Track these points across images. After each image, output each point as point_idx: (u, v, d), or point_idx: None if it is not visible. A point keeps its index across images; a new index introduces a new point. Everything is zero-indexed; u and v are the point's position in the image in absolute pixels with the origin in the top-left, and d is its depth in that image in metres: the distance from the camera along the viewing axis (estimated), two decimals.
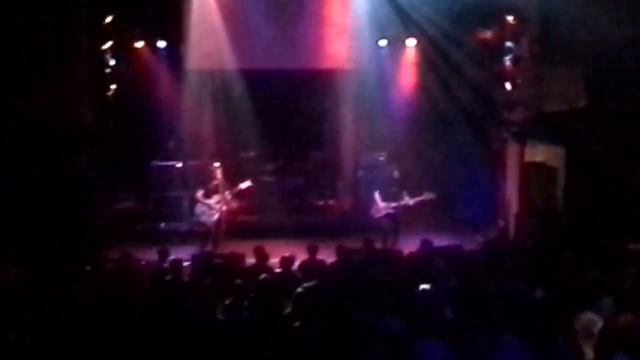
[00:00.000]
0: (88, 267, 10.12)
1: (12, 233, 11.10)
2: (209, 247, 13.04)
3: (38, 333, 7.39)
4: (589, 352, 6.99)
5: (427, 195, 13.38)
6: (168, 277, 9.49)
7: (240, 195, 15.26)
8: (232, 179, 13.97)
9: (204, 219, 13.12)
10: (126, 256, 10.36)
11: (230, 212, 14.77)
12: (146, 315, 7.97)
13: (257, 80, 15.97)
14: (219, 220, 13.22)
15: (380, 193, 13.32)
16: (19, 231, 11.23)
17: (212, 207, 13.05)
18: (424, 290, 8.80)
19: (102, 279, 10.10)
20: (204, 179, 13.29)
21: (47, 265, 9.67)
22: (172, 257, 10.54)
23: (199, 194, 13.14)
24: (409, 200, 13.19)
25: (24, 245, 10.19)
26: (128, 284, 9.17)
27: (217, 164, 13.72)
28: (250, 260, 10.98)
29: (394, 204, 13.15)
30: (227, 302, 8.47)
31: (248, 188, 13.99)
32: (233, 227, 14.67)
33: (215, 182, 13.14)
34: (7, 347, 7.08)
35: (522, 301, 8.33)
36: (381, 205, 13.23)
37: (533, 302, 8.33)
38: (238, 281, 8.81)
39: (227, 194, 13.32)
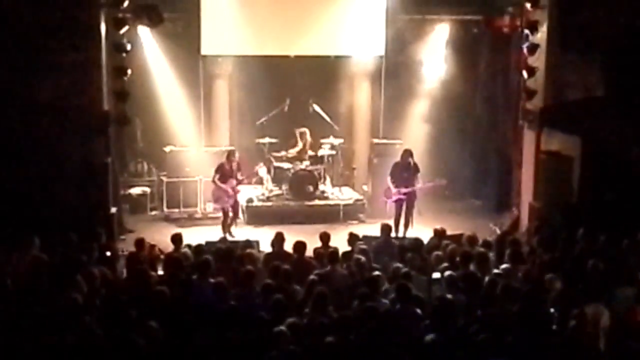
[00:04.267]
0: (107, 253, 10.23)
1: (32, 216, 11.26)
2: (225, 232, 13.17)
3: (54, 313, 7.54)
4: (601, 342, 7.07)
5: (438, 181, 13.52)
6: (184, 263, 9.55)
7: (255, 180, 15.38)
8: (246, 165, 14.12)
9: (220, 203, 13.26)
10: (141, 242, 10.44)
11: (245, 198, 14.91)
12: (158, 300, 8.07)
13: (272, 67, 16.00)
14: (234, 205, 13.38)
15: (393, 179, 13.38)
16: (38, 215, 11.37)
17: (228, 192, 13.18)
18: (436, 279, 8.90)
19: (116, 264, 10.26)
20: (222, 163, 13.39)
21: (64, 249, 9.78)
22: (186, 242, 10.65)
23: (216, 178, 13.27)
24: (420, 186, 13.30)
25: (43, 228, 10.31)
26: (142, 270, 9.24)
27: (232, 149, 13.90)
28: (265, 246, 11.09)
29: (405, 190, 13.23)
30: (239, 288, 8.57)
31: (258, 172, 14.25)
32: (248, 213, 14.82)
33: (231, 167, 13.26)
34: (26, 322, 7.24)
35: (535, 292, 8.39)
36: (394, 190, 13.33)
37: (548, 292, 8.38)
38: (250, 267, 8.91)
39: (243, 179, 13.48)
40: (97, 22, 12.60)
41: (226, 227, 13.33)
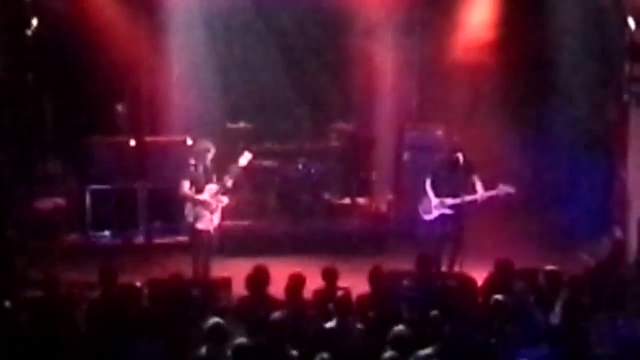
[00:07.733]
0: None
1: None
2: (196, 271, 12.84)
3: None
4: None
5: (501, 190, 13.36)
6: (114, 312, 9.54)
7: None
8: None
9: (201, 224, 12.80)
10: (53, 281, 10.41)
11: None
12: None
13: (257, 18, 16.02)
14: (219, 225, 12.93)
15: (434, 184, 13.29)
16: None
17: (211, 204, 12.75)
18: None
19: (20, 314, 10.22)
20: (190, 165, 12.96)
21: None
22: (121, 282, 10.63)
23: (185, 187, 12.77)
24: (476, 196, 13.17)
25: None
26: (56, 321, 9.24)
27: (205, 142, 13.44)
28: (240, 288, 11.03)
29: (453, 201, 13.14)
30: (203, 349, 8.53)
31: (248, 167, 13.69)
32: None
33: (205, 168, 12.81)
34: None
35: None
36: (435, 202, 13.21)
37: None
38: (218, 320, 8.85)
39: (228, 181, 12.95)
40: None
41: (200, 263, 12.95)
